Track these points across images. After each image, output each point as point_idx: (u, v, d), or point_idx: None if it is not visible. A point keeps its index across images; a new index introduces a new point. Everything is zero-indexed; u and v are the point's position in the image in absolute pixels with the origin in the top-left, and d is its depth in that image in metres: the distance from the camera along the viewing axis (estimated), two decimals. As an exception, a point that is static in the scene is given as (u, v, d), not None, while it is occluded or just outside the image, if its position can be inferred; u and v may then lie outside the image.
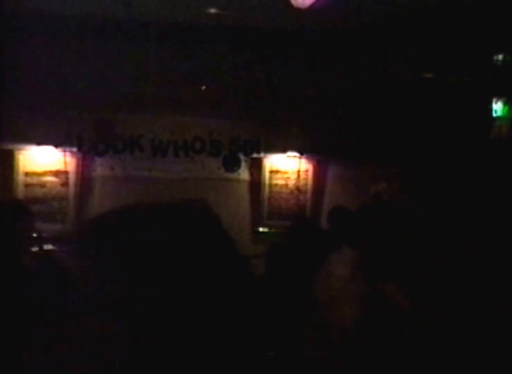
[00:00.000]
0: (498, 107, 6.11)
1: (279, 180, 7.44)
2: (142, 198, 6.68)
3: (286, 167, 7.44)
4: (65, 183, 6.84)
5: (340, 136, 7.23)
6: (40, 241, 4.26)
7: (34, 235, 4.28)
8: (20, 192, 6.69)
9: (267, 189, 7.41)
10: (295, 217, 6.56)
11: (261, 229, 7.35)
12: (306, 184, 7.45)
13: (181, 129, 7.14)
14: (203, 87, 7.01)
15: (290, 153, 7.39)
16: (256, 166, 7.38)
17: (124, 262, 1.04)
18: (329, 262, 2.96)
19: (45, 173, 6.80)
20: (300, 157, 7.41)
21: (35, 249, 4.08)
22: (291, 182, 7.44)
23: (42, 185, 6.77)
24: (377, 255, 2.80)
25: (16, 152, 6.72)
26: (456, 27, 5.63)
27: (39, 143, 6.74)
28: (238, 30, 6.50)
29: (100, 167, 6.98)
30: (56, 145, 6.79)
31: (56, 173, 6.82)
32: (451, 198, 6.79)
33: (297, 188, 7.44)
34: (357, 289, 2.80)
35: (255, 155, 7.35)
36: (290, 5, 4.12)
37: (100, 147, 6.96)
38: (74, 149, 6.88)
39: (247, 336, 1.08)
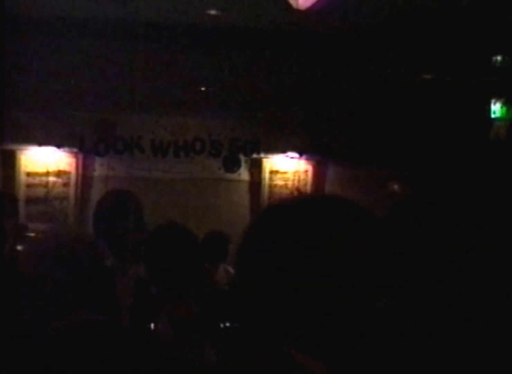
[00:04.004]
0: (496, 109, 6.13)
1: (279, 181, 7.45)
2: (142, 198, 6.71)
3: (286, 167, 7.45)
4: (66, 184, 6.86)
5: (340, 136, 7.25)
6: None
7: None
8: (22, 192, 6.72)
9: (267, 189, 7.42)
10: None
11: (261, 229, 7.35)
12: (305, 185, 7.47)
13: (182, 130, 7.16)
14: (203, 88, 7.03)
15: (290, 153, 7.41)
16: (256, 167, 7.40)
17: None
18: None
19: (46, 173, 6.83)
20: (299, 158, 7.43)
21: None
22: (291, 183, 7.46)
23: (44, 185, 6.79)
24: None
25: (17, 153, 6.75)
26: (455, 27, 5.65)
27: (40, 143, 6.77)
28: (238, 31, 6.53)
29: (101, 168, 6.99)
30: (58, 146, 6.82)
31: (58, 173, 6.84)
32: (451, 198, 6.81)
33: (297, 189, 7.46)
34: None
35: (255, 155, 7.37)
36: (290, 7, 4.14)
37: (101, 147, 6.99)
38: (76, 149, 6.91)
39: None
